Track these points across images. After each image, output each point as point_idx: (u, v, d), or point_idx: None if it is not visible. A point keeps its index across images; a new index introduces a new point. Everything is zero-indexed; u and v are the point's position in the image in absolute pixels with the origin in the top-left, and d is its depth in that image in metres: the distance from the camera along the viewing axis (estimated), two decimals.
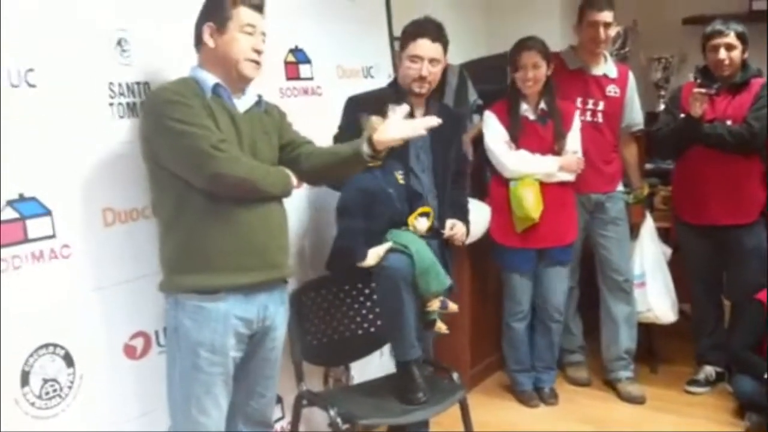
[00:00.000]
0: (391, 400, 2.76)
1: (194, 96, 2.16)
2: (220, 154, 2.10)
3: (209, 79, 2.21)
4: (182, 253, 2.17)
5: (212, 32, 2.22)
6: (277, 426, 2.89)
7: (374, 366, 3.15)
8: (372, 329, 3.00)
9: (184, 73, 2.47)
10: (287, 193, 2.34)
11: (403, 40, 3.00)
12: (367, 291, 3.00)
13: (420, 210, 2.87)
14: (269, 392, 2.43)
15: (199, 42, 2.26)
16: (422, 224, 2.86)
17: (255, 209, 2.22)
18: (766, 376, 3.35)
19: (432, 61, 2.92)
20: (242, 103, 2.30)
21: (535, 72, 3.47)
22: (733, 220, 3.63)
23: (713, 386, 3.83)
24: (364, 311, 3.00)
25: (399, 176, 2.83)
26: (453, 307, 2.89)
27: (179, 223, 2.17)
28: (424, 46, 2.91)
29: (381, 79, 3.38)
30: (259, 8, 2.27)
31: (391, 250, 2.72)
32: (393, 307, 2.73)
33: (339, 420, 2.56)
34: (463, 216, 3.13)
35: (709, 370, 3.86)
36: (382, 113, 2.65)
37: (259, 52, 2.26)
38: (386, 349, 3.14)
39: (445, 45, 2.97)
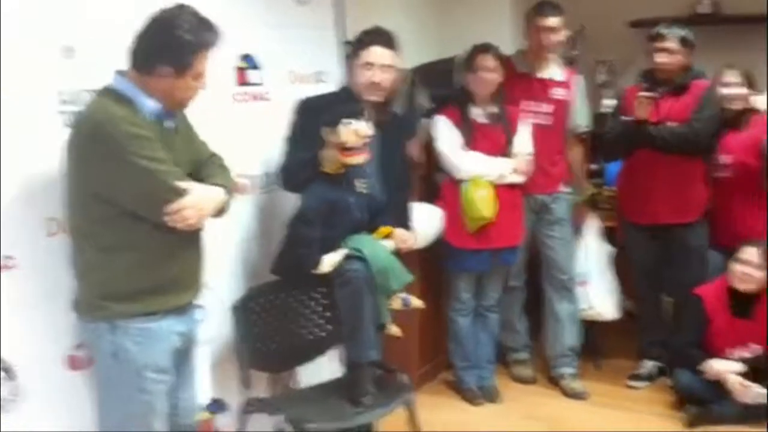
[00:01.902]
0: (339, 403, 2.81)
1: (143, 123, 2.14)
2: (182, 191, 2.13)
3: (149, 104, 2.18)
4: (127, 280, 2.17)
5: (168, 74, 2.16)
6: None
7: (321, 370, 3.18)
8: (321, 333, 3.04)
9: None
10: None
11: (355, 47, 3.05)
12: (316, 296, 3.04)
13: (382, 232, 2.94)
14: (191, 400, 2.46)
15: (144, 69, 2.17)
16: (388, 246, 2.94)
17: (193, 233, 2.26)
18: (704, 370, 3.47)
19: (384, 67, 2.98)
20: (169, 121, 2.28)
21: (489, 75, 3.54)
22: (677, 219, 3.74)
23: (654, 381, 3.93)
24: (313, 316, 3.04)
25: (361, 185, 2.88)
26: (417, 302, 2.96)
27: (122, 251, 2.16)
28: (377, 53, 2.97)
29: (332, 84, 3.41)
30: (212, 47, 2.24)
31: (346, 256, 2.77)
32: (353, 310, 2.79)
33: (287, 425, 2.59)
34: (406, 222, 3.18)
35: (650, 365, 3.97)
36: (336, 120, 2.72)
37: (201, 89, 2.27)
38: (333, 352, 3.20)
39: (397, 52, 3.03)
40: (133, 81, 2.18)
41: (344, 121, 2.73)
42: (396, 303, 2.91)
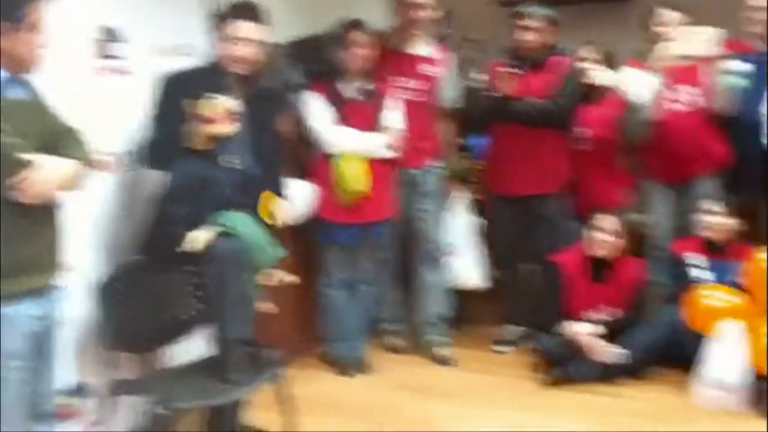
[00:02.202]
0: (209, 381, 2.79)
1: None
2: (26, 163, 2.05)
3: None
4: None
5: (5, 30, 2.09)
6: (92, 417, 2.87)
7: (192, 349, 3.13)
8: (191, 312, 2.95)
9: None
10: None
11: (221, 21, 3.01)
12: (186, 275, 2.98)
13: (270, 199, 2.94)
14: (51, 385, 2.40)
15: None
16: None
17: (46, 210, 2.20)
18: (564, 332, 3.66)
19: (252, 42, 2.95)
20: (18, 91, 2.20)
21: (361, 52, 3.57)
22: (538, 190, 3.90)
23: (518, 345, 4.11)
24: (182, 295, 2.96)
25: (230, 160, 2.85)
26: (290, 278, 2.98)
27: None
28: (244, 28, 2.94)
29: (197, 58, 3.34)
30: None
31: (216, 234, 2.76)
32: (221, 288, 2.78)
33: (155, 405, 2.58)
34: (280, 194, 3.20)
35: (513, 330, 4.15)
36: (200, 93, 2.69)
37: (42, 46, 2.19)
38: (204, 331, 3.18)
39: (265, 26, 3.01)
40: None
41: (208, 95, 2.71)
42: (270, 279, 2.93)
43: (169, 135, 2.85)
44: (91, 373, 2.79)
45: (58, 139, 2.27)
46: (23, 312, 2.16)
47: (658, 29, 3.89)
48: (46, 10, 2.16)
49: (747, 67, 3.93)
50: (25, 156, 2.07)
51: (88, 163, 2.33)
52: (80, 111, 2.45)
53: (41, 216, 2.18)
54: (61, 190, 2.20)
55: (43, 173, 2.10)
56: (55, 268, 2.28)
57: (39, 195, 2.11)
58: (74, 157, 2.25)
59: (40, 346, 2.28)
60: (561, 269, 3.78)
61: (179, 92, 2.87)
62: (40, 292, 2.22)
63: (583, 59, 3.84)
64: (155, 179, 2.99)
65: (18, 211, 2.10)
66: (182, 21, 3.42)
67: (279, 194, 3.22)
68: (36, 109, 2.26)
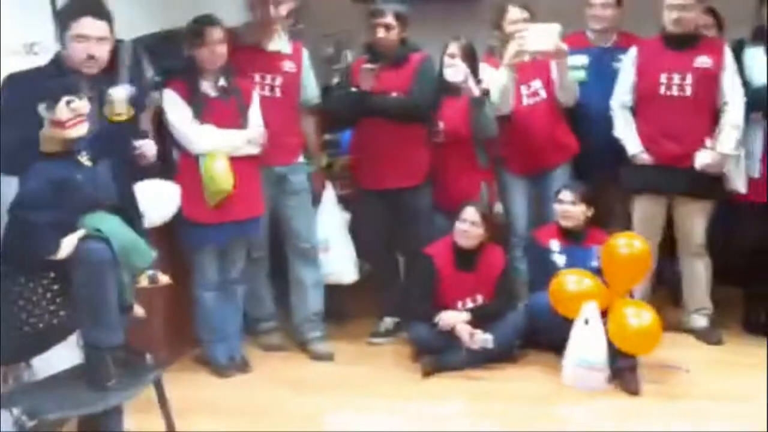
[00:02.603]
0: (81, 390, 2.66)
1: None
2: None
3: None
4: None
5: None
6: None
7: (59, 358, 2.99)
8: (54, 321, 2.81)
9: None
10: None
11: (64, 18, 2.87)
12: (46, 281, 2.82)
13: None
14: None
15: None
16: None
17: None
18: (435, 321, 3.73)
19: (99, 39, 2.83)
20: None
21: (219, 48, 3.50)
22: (402, 183, 3.97)
23: (393, 336, 4.16)
24: (44, 303, 2.79)
25: (85, 159, 2.72)
26: (164, 278, 2.88)
27: None
28: (89, 25, 2.81)
29: (46, 56, 3.18)
30: None
31: (84, 236, 2.62)
32: (94, 293, 2.64)
33: (24, 418, 2.44)
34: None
35: (387, 321, 4.20)
36: (48, 94, 2.56)
37: None
38: (71, 339, 3.03)
39: (109, 21, 2.89)
40: None
41: (66, 98, 2.59)
42: (143, 281, 2.82)
43: (20, 140, 2.69)
44: None
45: None
46: None
47: (509, 27, 4.06)
48: None
49: (585, 60, 4.20)
50: None
51: None
52: None
53: None
54: None
55: None
56: None
57: None
58: None
59: None
60: (430, 260, 3.85)
61: (25, 95, 2.71)
62: None
63: (450, 54, 3.93)
64: (11, 185, 2.81)
65: None
66: (29, 18, 3.24)
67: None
68: None
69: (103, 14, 2.87)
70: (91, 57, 2.82)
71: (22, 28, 3.18)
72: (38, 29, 3.26)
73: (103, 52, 2.86)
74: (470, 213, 3.81)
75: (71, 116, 2.61)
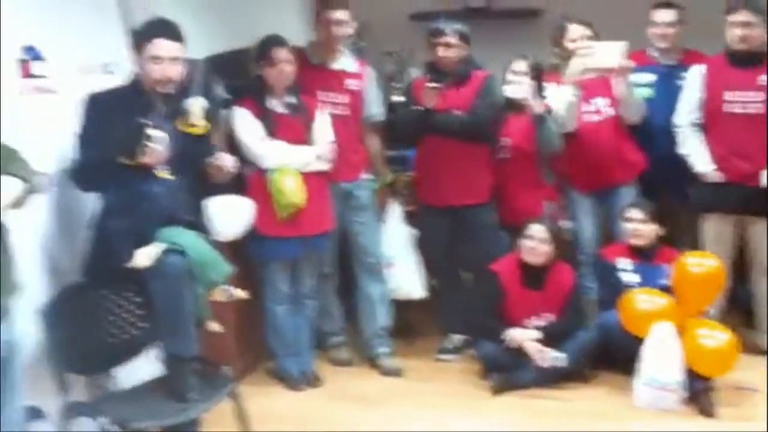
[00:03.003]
0: (162, 401, 2.73)
1: None
2: None
3: None
4: None
5: None
6: None
7: (140, 369, 3.06)
8: (136, 332, 2.91)
9: None
10: None
11: (138, 40, 2.94)
12: (129, 293, 2.90)
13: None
14: (19, 412, 2.33)
15: None
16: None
17: None
18: (502, 339, 3.71)
19: (172, 60, 2.90)
20: None
21: (287, 68, 3.55)
22: (466, 200, 3.95)
23: (461, 353, 4.14)
24: (126, 314, 2.90)
25: (165, 173, 2.77)
26: (239, 293, 2.91)
27: None
28: (164, 47, 2.88)
29: (121, 75, 3.26)
30: None
31: (163, 251, 2.67)
32: (172, 305, 2.70)
33: (111, 427, 2.48)
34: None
35: (455, 338, 4.17)
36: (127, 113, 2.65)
37: None
38: (151, 351, 3.07)
39: (182, 42, 2.96)
40: None
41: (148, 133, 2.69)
42: (219, 295, 2.86)
43: (99, 159, 2.79)
44: (42, 396, 2.65)
45: None
46: None
47: (569, 44, 4.06)
48: None
49: (651, 77, 4.17)
50: None
51: (31, 181, 2.23)
52: (7, 132, 2.39)
53: None
54: (7, 209, 2.09)
55: None
56: (6, 290, 2.18)
57: None
58: (16, 176, 2.15)
59: (6, 372, 2.16)
60: (496, 277, 3.83)
61: (105, 115, 2.82)
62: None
63: (514, 72, 3.93)
64: (90, 198, 2.89)
65: None
66: (103, 39, 3.35)
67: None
68: None
69: (176, 35, 2.94)
70: (165, 77, 2.88)
71: (98, 49, 3.29)
72: (113, 49, 3.36)
73: (176, 72, 2.93)
74: (537, 230, 3.78)
75: (155, 160, 2.72)
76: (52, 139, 2.91)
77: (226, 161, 3.13)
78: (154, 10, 3.44)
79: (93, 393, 2.81)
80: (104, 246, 2.76)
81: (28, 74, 2.91)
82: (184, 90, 3.13)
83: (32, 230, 2.77)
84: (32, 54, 2.94)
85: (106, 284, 2.85)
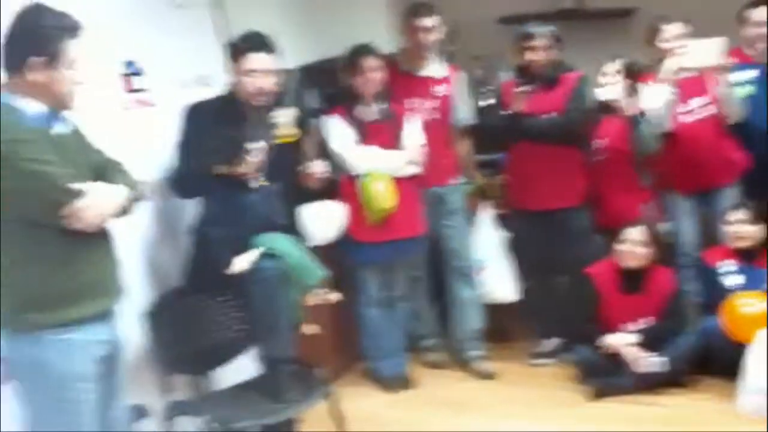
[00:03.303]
0: (261, 400, 2.81)
1: (26, 129, 2.08)
2: (76, 191, 2.08)
3: (33, 107, 2.12)
4: (40, 291, 2.10)
5: (37, 66, 2.10)
6: None
7: (237, 370, 3.14)
8: (235, 334, 3.01)
9: None
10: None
11: (235, 54, 3.03)
12: (227, 297, 3.00)
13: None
14: (122, 403, 2.42)
15: (14, 69, 2.12)
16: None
17: (102, 236, 2.23)
18: (601, 344, 3.63)
19: (268, 73, 2.98)
20: (61, 126, 2.22)
21: (376, 75, 3.60)
22: (559, 203, 3.89)
23: (556, 357, 4.08)
24: (225, 317, 3.01)
25: (260, 180, 2.86)
26: (333, 296, 2.97)
27: (33, 262, 2.10)
28: (259, 60, 2.97)
29: (217, 87, 3.37)
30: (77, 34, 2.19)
31: (260, 256, 2.75)
32: (269, 309, 2.79)
33: (213, 425, 2.56)
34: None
35: (551, 343, 4.12)
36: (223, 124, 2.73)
37: (78, 82, 2.21)
38: (248, 352, 3.15)
39: (276, 55, 3.04)
40: (10, 88, 2.12)
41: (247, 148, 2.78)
42: (313, 298, 2.91)
43: (197, 167, 2.88)
44: (146, 395, 2.76)
45: (103, 171, 2.30)
46: (91, 336, 2.18)
47: (664, 43, 3.96)
48: (80, 46, 2.18)
49: (752, 74, 4.02)
50: (77, 185, 2.10)
51: (136, 190, 2.34)
52: (111, 144, 2.47)
53: (99, 243, 2.22)
54: (113, 217, 2.22)
55: (97, 200, 2.14)
56: (114, 292, 2.30)
57: (94, 222, 2.14)
58: (122, 184, 2.29)
59: (110, 370, 2.28)
60: (592, 281, 3.77)
61: (202, 124, 2.92)
62: (104, 316, 2.24)
63: (604, 73, 3.86)
64: (190, 206, 2.99)
65: (77, 239, 2.12)
66: (200, 52, 3.46)
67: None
68: (78, 142, 2.29)
69: (271, 49, 3.02)
70: (260, 90, 2.96)
71: (195, 62, 3.41)
72: (209, 61, 3.47)
73: (270, 84, 3.01)
74: (633, 233, 3.70)
75: (251, 170, 2.82)
76: (153, 150, 3.03)
77: (317, 168, 3.18)
78: (248, 23, 3.55)
79: (195, 393, 2.91)
80: (204, 252, 2.86)
81: (130, 89, 3.05)
82: (278, 100, 3.23)
83: (136, 236, 2.90)
84: (133, 68, 3.08)
85: (206, 288, 2.95)
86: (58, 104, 2.18)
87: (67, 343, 2.12)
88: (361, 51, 3.65)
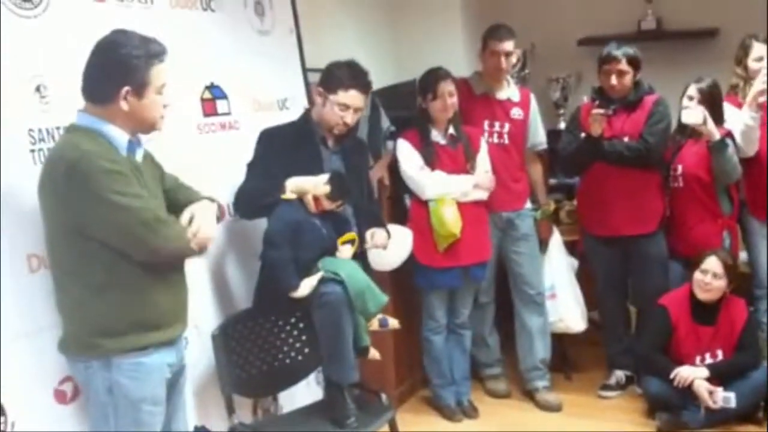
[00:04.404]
0: (323, 425, 2.83)
1: (117, 158, 2.13)
2: (161, 228, 2.13)
3: (121, 135, 2.17)
4: (117, 318, 2.16)
5: (128, 95, 2.14)
6: None
7: (301, 394, 3.21)
8: (299, 357, 3.06)
9: None
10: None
11: (332, 83, 3.02)
12: (293, 320, 3.05)
13: (344, 238, 2.96)
14: (183, 425, 2.48)
15: (104, 99, 2.14)
16: (347, 251, 2.95)
17: (178, 265, 2.30)
18: (671, 377, 3.56)
19: (356, 110, 3.03)
20: (140, 151, 2.28)
21: (451, 100, 3.61)
22: (635, 229, 3.81)
23: (624, 389, 4.00)
24: (291, 340, 3.05)
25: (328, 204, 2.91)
26: (394, 322, 2.99)
27: (110, 288, 2.14)
28: (354, 98, 3.00)
29: (296, 111, 3.44)
30: (163, 59, 2.22)
31: (323, 279, 2.79)
32: (333, 333, 2.82)
33: None
34: (379, 223, 3.22)
35: (619, 375, 4.04)
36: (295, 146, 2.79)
37: (166, 106, 2.25)
38: (311, 376, 3.21)
39: (368, 94, 3.08)
40: (97, 115, 2.15)
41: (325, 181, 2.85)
42: (374, 324, 2.95)
43: (262, 188, 2.93)
44: (210, 417, 2.84)
45: (177, 192, 2.38)
46: (159, 360, 2.23)
47: (753, 64, 3.84)
48: (166, 71, 2.21)
49: None
50: (186, 211, 2.24)
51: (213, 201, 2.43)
52: (185, 166, 2.55)
53: (174, 271, 2.28)
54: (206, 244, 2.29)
55: (206, 219, 2.26)
56: (185, 318, 2.36)
57: (207, 242, 2.25)
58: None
59: (172, 393, 2.34)
60: (666, 312, 3.68)
61: (275, 147, 2.97)
62: (174, 340, 2.29)
63: (689, 97, 3.77)
64: (262, 228, 3.05)
65: (152, 269, 2.18)
66: (281, 77, 3.54)
67: (380, 221, 3.27)
68: (154, 167, 2.36)
69: (367, 88, 3.07)
70: (345, 124, 3.02)
71: (276, 86, 3.48)
72: (290, 86, 3.55)
73: (355, 120, 3.06)
74: (713, 264, 3.59)
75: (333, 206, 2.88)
76: (228, 173, 3.09)
77: (379, 240, 3.16)
78: (326, 47, 3.62)
79: (258, 415, 2.97)
80: (270, 274, 2.91)
81: (212, 112, 3.13)
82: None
83: (207, 258, 2.94)
84: (216, 93, 3.17)
85: (273, 311, 3.01)
86: (144, 129, 2.23)
87: (138, 367, 2.18)
88: (436, 76, 3.64)
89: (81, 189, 2.06)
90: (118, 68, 2.12)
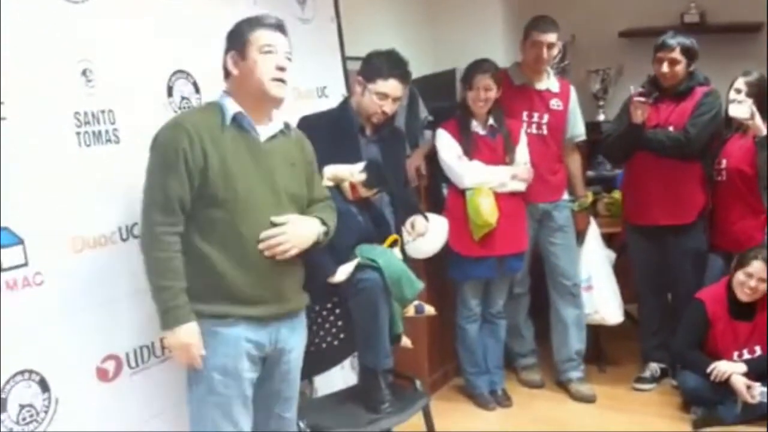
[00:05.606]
0: (357, 410, 2.85)
1: (203, 130, 2.19)
2: (157, 229, 2.17)
3: (231, 107, 2.24)
4: (197, 282, 2.21)
5: (235, 60, 2.25)
6: None
7: (336, 378, 3.24)
8: (335, 342, 3.06)
9: (149, 100, 2.55)
10: None
11: (371, 72, 3.02)
12: (329, 306, 3.07)
13: (389, 240, 2.97)
14: (288, 413, 2.49)
15: (226, 73, 2.29)
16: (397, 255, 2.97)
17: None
18: (708, 371, 3.52)
19: (395, 99, 3.03)
20: (266, 131, 2.32)
21: (487, 94, 3.61)
22: (674, 220, 3.79)
23: (659, 383, 3.99)
24: (327, 325, 3.06)
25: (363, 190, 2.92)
26: (430, 309, 3.01)
27: (194, 256, 2.22)
28: (393, 87, 3.00)
29: (335, 99, 3.46)
30: (277, 28, 2.29)
31: (360, 266, 2.81)
32: (369, 319, 2.84)
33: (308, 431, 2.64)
34: (416, 211, 3.23)
35: (654, 368, 4.02)
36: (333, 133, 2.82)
37: (282, 69, 2.26)
38: (347, 361, 3.24)
39: (405, 84, 3.08)
40: (225, 90, 2.30)
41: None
42: (410, 311, 2.96)
43: None
44: None
45: (314, 205, 2.49)
46: (236, 334, 2.25)
47: None
48: (274, 37, 2.30)
49: None
50: (278, 219, 2.30)
51: (328, 227, 2.50)
52: None
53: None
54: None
55: (295, 234, 2.33)
56: (282, 303, 2.37)
57: (288, 253, 2.32)
58: (319, 218, 2.44)
59: (275, 378, 2.39)
60: (703, 306, 3.65)
61: (313, 134, 2.93)
62: (256, 319, 2.29)
63: (737, 90, 3.71)
64: None
65: (226, 246, 2.24)
66: (321, 65, 3.56)
67: (417, 209, 3.28)
68: (298, 152, 2.49)
69: (407, 78, 3.06)
70: (384, 113, 3.02)
71: (315, 74, 3.49)
72: (329, 74, 3.56)
73: (394, 109, 3.06)
74: (758, 268, 3.51)
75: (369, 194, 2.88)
76: None
77: (420, 227, 3.18)
78: (367, 35, 3.62)
79: None
80: (307, 260, 2.93)
81: None
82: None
83: None
84: None
85: (310, 296, 3.03)
86: (259, 96, 2.25)
87: (213, 335, 2.22)
88: (476, 68, 3.64)
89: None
90: (228, 38, 2.30)
